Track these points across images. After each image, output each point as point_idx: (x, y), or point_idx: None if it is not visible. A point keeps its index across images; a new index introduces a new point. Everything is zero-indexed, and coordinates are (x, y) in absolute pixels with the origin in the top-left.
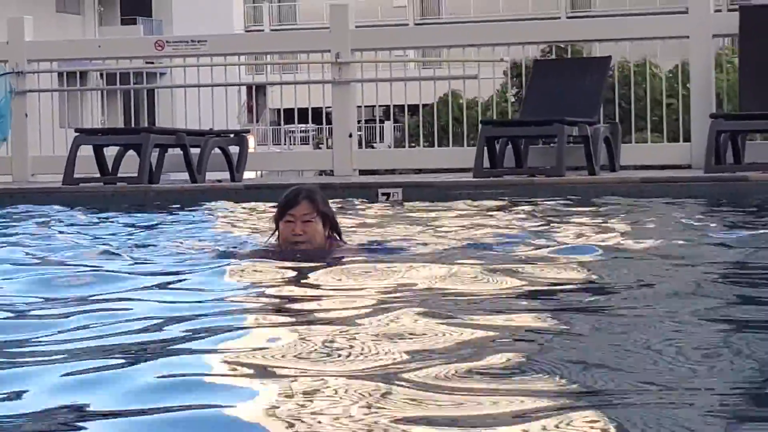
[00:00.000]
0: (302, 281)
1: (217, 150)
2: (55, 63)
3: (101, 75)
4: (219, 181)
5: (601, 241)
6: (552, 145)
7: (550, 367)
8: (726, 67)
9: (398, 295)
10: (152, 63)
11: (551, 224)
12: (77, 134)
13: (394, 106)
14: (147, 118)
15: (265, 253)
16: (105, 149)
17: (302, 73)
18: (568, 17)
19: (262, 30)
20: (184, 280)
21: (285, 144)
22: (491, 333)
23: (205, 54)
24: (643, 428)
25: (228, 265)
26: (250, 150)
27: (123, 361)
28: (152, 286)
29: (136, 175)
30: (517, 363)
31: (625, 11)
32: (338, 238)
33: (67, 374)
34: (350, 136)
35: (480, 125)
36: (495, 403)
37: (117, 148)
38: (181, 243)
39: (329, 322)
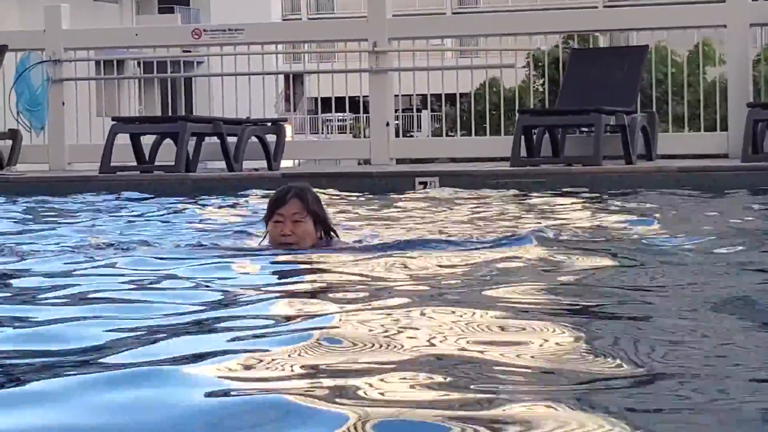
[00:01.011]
0: (289, 281)
1: (254, 139)
2: (92, 51)
3: (138, 63)
4: (256, 169)
5: (615, 232)
6: (589, 134)
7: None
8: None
9: (396, 292)
10: (189, 51)
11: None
12: (114, 123)
13: (431, 95)
14: (184, 107)
15: (253, 254)
16: (142, 138)
17: (339, 62)
18: (605, 6)
19: (300, 19)
20: (167, 279)
21: (322, 133)
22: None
23: (243, 42)
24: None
25: (215, 264)
26: (287, 139)
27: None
28: (131, 283)
29: (173, 163)
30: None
31: (662, 0)
32: (333, 238)
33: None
34: (387, 125)
35: (517, 114)
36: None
37: (154, 136)
38: (170, 239)
39: (308, 320)
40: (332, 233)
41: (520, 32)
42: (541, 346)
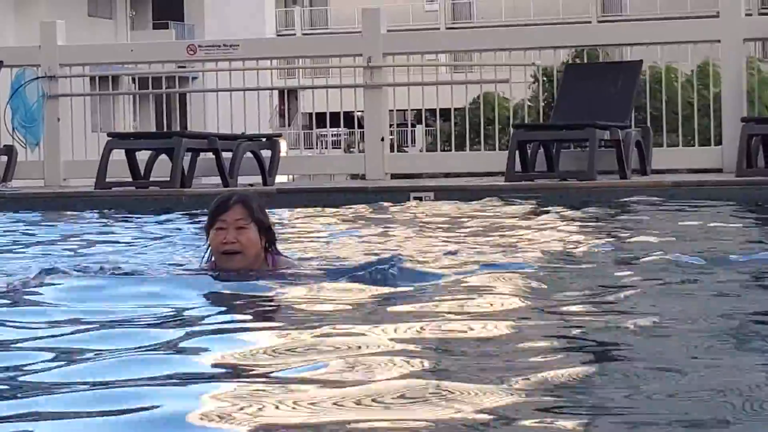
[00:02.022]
0: (234, 303)
1: (249, 154)
2: (87, 67)
3: (133, 79)
4: (251, 185)
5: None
6: (584, 149)
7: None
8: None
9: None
10: (184, 67)
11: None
12: (110, 138)
13: (426, 110)
14: (179, 123)
15: (196, 275)
16: (137, 153)
17: (334, 77)
18: (599, 21)
19: (294, 34)
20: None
21: (317, 148)
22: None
23: (238, 58)
24: None
25: (151, 285)
26: (282, 154)
27: None
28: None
29: (168, 179)
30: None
31: (656, 15)
32: (276, 251)
33: None
34: (382, 139)
35: (512, 129)
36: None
37: (149, 152)
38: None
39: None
40: (274, 247)
41: (514, 47)
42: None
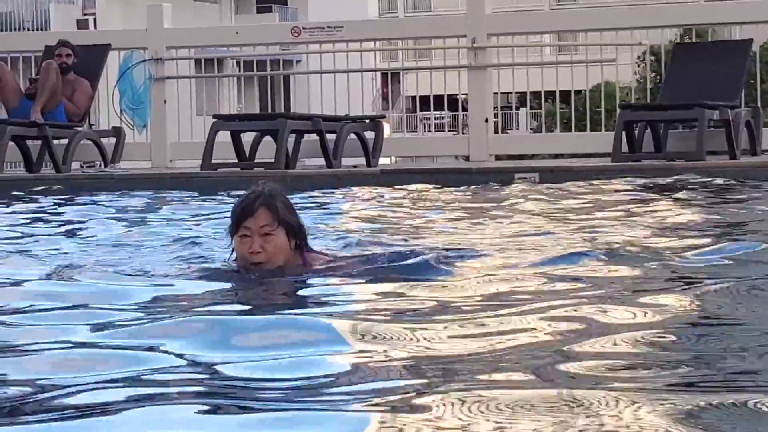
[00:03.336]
0: (260, 309)
1: (352, 136)
2: (192, 50)
3: (237, 62)
4: (355, 166)
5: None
6: (692, 129)
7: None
8: None
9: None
10: (287, 49)
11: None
12: (215, 120)
13: (531, 92)
14: (282, 105)
15: (219, 276)
16: (242, 135)
17: (437, 59)
18: (707, 0)
19: (396, 17)
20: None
21: (419, 131)
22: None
23: (342, 40)
24: None
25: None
26: (385, 136)
27: None
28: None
29: (272, 160)
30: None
31: None
32: (309, 248)
33: None
34: (486, 121)
35: (618, 110)
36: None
37: (254, 133)
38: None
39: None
40: (306, 244)
41: (620, 27)
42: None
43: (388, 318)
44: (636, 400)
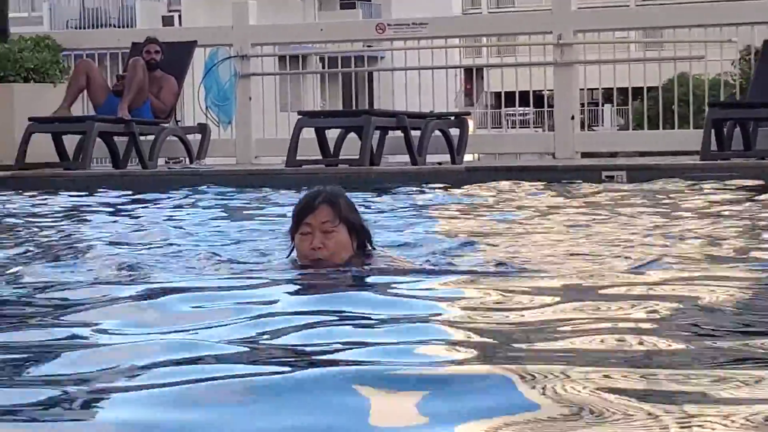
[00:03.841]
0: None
1: (437, 132)
2: (276, 47)
3: (320, 58)
4: (439, 163)
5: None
6: None
7: None
8: None
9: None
10: (371, 46)
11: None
12: (300, 117)
13: (614, 88)
14: (366, 102)
15: (281, 271)
16: (327, 132)
17: (522, 55)
18: None
19: (480, 13)
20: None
21: (503, 128)
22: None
23: (425, 36)
24: None
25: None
26: (469, 133)
27: None
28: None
29: (357, 157)
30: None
31: None
32: (372, 252)
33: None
34: (572, 118)
35: (707, 107)
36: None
37: (338, 130)
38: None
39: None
40: (370, 245)
41: (709, 23)
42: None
43: (447, 320)
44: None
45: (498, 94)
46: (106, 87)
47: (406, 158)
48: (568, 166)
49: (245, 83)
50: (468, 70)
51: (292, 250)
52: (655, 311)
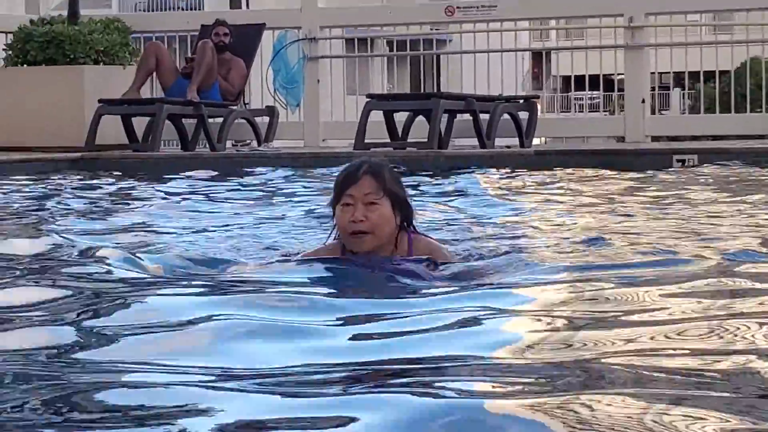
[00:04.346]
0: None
1: (506, 116)
2: (344, 30)
3: (387, 41)
4: (508, 147)
5: None
6: None
7: None
8: None
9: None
10: (438, 29)
11: None
12: (369, 100)
13: (682, 72)
14: (433, 85)
15: (317, 258)
16: (395, 115)
17: (591, 38)
18: None
19: None
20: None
21: (571, 111)
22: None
23: (495, 19)
24: None
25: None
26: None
27: None
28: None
29: (425, 140)
30: None
31: None
32: (414, 230)
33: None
34: (643, 101)
35: None
36: None
37: (407, 113)
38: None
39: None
40: (411, 223)
41: None
42: None
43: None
44: None
45: (564, 78)
46: (175, 69)
47: (474, 141)
48: (638, 149)
49: (313, 66)
50: (535, 54)
51: (333, 229)
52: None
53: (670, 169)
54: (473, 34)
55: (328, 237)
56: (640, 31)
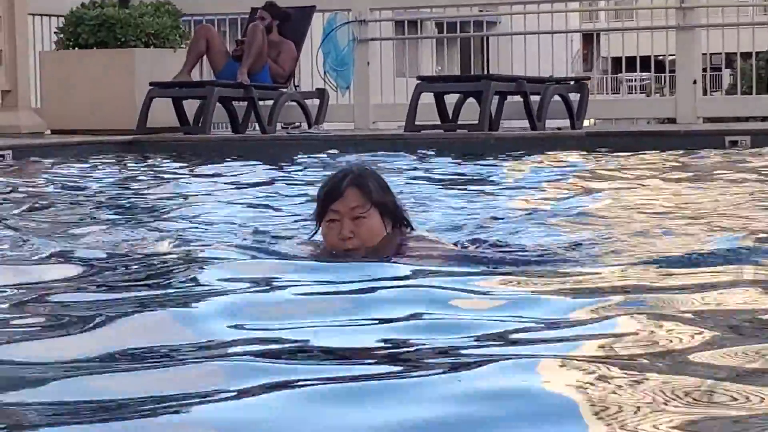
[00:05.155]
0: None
1: (556, 97)
2: (393, 12)
3: (436, 23)
4: (559, 128)
5: None
6: None
7: None
8: None
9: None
10: (487, 10)
11: None
12: (419, 82)
13: (731, 53)
14: (481, 67)
15: (304, 253)
16: (445, 97)
17: (642, 19)
18: None
19: None
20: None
21: (620, 93)
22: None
23: (546, 0)
24: None
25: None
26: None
27: None
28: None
29: (476, 122)
30: None
31: None
32: (410, 229)
33: None
34: (694, 82)
35: None
36: None
37: (457, 95)
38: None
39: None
40: (405, 225)
41: None
42: None
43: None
44: None
45: (613, 59)
46: (226, 52)
47: (524, 123)
48: (690, 131)
49: (363, 48)
50: (584, 35)
51: (315, 232)
52: None
53: (721, 150)
54: (523, 16)
55: (312, 233)
56: (691, 11)
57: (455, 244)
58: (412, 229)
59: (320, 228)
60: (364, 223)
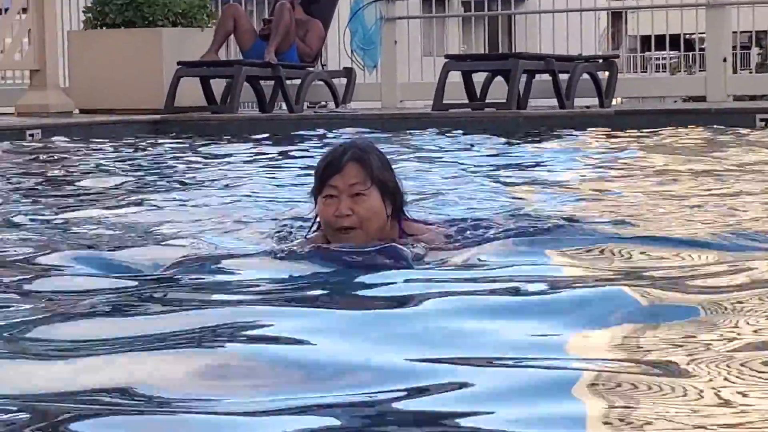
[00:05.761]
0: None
1: (585, 76)
2: None
3: (462, 2)
4: (587, 107)
5: None
6: None
7: None
8: None
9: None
10: None
11: None
12: (447, 60)
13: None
14: (508, 45)
15: (299, 251)
16: (473, 75)
17: None
18: None
19: None
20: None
21: (648, 72)
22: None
23: None
24: None
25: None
26: None
27: None
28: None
29: (504, 100)
30: None
31: None
32: (405, 216)
33: None
34: (725, 60)
35: None
36: None
37: (485, 74)
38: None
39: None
40: (404, 212)
41: None
42: None
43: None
44: None
45: (640, 38)
46: (253, 31)
47: (552, 102)
48: (721, 109)
49: (390, 27)
50: (612, 13)
51: (312, 225)
52: None
53: (753, 129)
54: None
55: (308, 230)
56: None
57: (451, 225)
58: (406, 215)
59: (317, 205)
60: (364, 201)
